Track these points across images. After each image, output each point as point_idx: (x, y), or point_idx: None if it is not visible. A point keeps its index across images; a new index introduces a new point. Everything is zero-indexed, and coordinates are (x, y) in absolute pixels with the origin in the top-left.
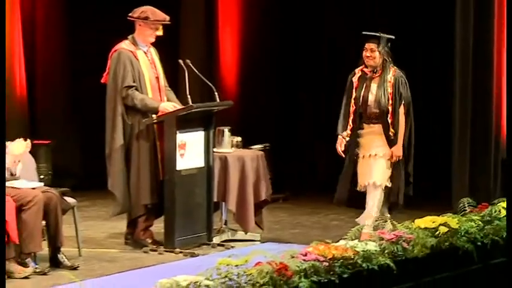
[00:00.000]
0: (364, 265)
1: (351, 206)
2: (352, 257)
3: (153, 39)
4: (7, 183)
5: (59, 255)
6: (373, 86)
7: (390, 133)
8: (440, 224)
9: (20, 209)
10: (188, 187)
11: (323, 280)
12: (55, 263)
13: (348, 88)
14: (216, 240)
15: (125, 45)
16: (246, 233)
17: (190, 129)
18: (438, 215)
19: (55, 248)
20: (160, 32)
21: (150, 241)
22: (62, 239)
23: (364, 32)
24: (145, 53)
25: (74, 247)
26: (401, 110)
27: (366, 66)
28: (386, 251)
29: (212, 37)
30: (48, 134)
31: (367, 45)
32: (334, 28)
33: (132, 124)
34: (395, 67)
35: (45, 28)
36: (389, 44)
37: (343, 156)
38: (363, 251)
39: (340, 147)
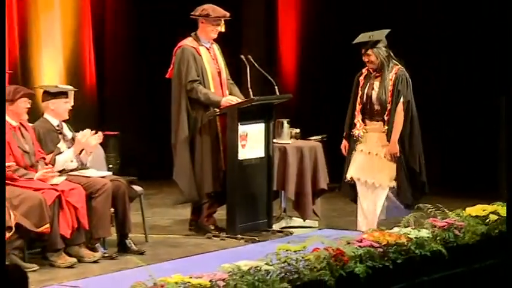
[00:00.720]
0: (417, 251)
1: (354, 200)
2: (406, 244)
3: (215, 36)
4: (77, 172)
5: (126, 241)
6: (376, 84)
7: (383, 131)
8: (490, 212)
9: (90, 197)
10: (249, 176)
11: (377, 265)
12: (123, 248)
13: (355, 88)
14: (275, 226)
15: (188, 41)
16: (304, 220)
17: (251, 121)
18: (488, 204)
19: (123, 233)
20: (222, 29)
21: (213, 227)
22: (129, 225)
23: (353, 42)
24: (207, 49)
25: (141, 233)
26: (399, 107)
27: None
28: (438, 238)
29: (272, 33)
30: (116, 125)
31: (363, 51)
32: (394, 22)
33: (196, 117)
34: (399, 65)
35: (114, 22)
36: (385, 41)
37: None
38: (416, 237)
39: (344, 149)
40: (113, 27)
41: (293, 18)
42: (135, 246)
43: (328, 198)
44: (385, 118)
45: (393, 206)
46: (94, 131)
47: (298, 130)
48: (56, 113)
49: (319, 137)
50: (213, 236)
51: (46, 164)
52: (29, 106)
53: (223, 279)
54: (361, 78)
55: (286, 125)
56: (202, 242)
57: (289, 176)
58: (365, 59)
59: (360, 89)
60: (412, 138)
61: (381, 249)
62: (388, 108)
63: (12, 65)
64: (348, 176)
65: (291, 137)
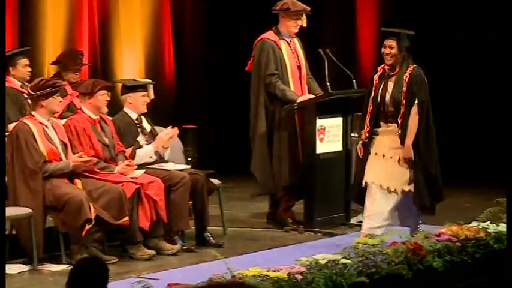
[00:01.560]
0: (495, 246)
1: (359, 202)
2: (484, 238)
3: (295, 30)
4: (157, 166)
5: (205, 234)
6: (390, 84)
7: (397, 134)
8: None
9: (168, 190)
10: (327, 170)
11: (456, 259)
12: (201, 240)
13: (369, 87)
14: (353, 220)
15: (268, 35)
16: None
17: (329, 115)
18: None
19: (201, 226)
20: (303, 23)
21: (291, 221)
22: (207, 218)
23: (383, 28)
24: (288, 43)
25: (219, 226)
26: (414, 109)
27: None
28: None
29: (351, 26)
30: (194, 118)
31: (385, 42)
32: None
33: (274, 110)
34: (415, 65)
35: (193, 15)
36: (409, 41)
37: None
38: (494, 232)
39: (360, 151)
40: (192, 20)
41: (371, 12)
42: (213, 239)
43: None
44: (399, 121)
45: (408, 213)
46: (171, 126)
47: None
48: (134, 106)
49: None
50: (291, 230)
51: (126, 158)
52: (108, 99)
53: (300, 273)
54: (376, 77)
55: None
56: (280, 236)
57: None
58: (386, 50)
59: (374, 88)
60: (428, 141)
61: (459, 244)
62: (402, 110)
63: (93, 57)
64: (364, 180)
65: None
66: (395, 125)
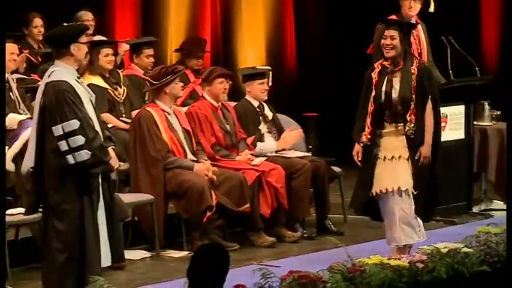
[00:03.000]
0: None
1: (367, 215)
2: None
3: (410, 12)
4: (278, 153)
5: (325, 221)
6: (396, 80)
7: (409, 131)
8: None
9: (289, 177)
10: (448, 158)
11: None
12: (322, 228)
13: (366, 86)
14: (475, 209)
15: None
16: (505, 203)
17: (451, 102)
18: None
19: (322, 214)
20: (430, 8)
21: None
22: (328, 205)
23: (384, 18)
24: None
25: (340, 214)
26: (429, 106)
27: (386, 59)
28: None
29: (474, 14)
30: (316, 106)
31: (386, 33)
32: None
33: None
34: (418, 58)
35: (314, 2)
36: (410, 33)
37: (360, 164)
38: None
39: (357, 156)
40: (314, 5)
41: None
42: (334, 226)
43: None
44: (408, 118)
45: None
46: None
47: (499, 112)
48: (253, 94)
49: None
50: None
51: (247, 145)
52: (226, 87)
53: (422, 261)
54: (375, 75)
55: (487, 107)
56: None
57: (489, 158)
58: (386, 41)
59: (374, 87)
60: (436, 142)
61: None
62: (412, 107)
63: (215, 45)
64: (374, 190)
65: (492, 119)
66: (402, 124)
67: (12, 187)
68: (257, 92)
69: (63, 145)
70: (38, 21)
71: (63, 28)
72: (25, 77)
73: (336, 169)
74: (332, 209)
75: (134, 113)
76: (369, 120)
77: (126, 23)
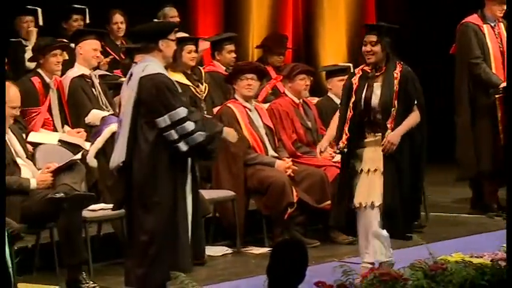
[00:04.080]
0: None
1: (348, 232)
2: None
3: (500, 14)
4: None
5: None
6: (376, 86)
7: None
8: None
9: None
10: None
11: None
12: None
13: (346, 91)
14: None
15: (472, 18)
16: None
17: None
18: None
19: None
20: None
21: (495, 206)
22: None
23: (365, 24)
24: (492, 27)
25: (421, 211)
26: (415, 113)
27: (367, 64)
28: None
29: None
30: None
31: (366, 38)
32: None
33: (476, 95)
34: (402, 63)
35: (395, 1)
36: (393, 37)
37: (319, 156)
38: None
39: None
40: (395, 4)
41: None
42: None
43: None
44: (388, 126)
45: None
46: None
47: None
48: (335, 91)
49: None
50: (495, 216)
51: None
52: (308, 83)
53: (504, 260)
54: (355, 80)
55: None
56: (484, 221)
57: None
58: (367, 48)
59: (353, 93)
60: (422, 153)
61: None
62: (393, 113)
63: (296, 42)
64: (357, 202)
65: None
66: (381, 134)
67: (95, 183)
68: (338, 88)
69: (172, 135)
70: (118, 18)
71: (153, 24)
72: (107, 73)
73: None
74: None
75: (216, 109)
76: (346, 126)
77: (208, 20)
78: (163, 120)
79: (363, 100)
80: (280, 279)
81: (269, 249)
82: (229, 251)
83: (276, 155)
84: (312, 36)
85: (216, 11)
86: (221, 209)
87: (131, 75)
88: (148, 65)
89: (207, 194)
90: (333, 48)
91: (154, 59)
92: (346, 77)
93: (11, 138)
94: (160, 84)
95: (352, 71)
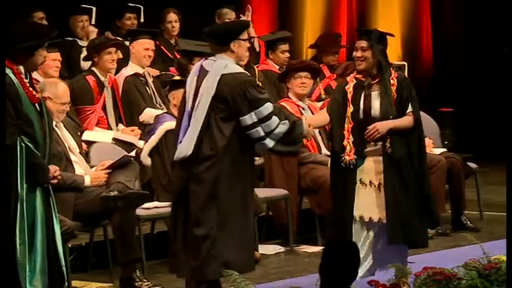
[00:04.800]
0: None
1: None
2: None
3: None
4: None
5: (461, 218)
6: (374, 95)
7: (388, 148)
8: None
9: None
10: None
11: None
12: (457, 225)
13: (340, 100)
14: None
15: None
16: None
17: None
18: None
19: (457, 210)
20: None
21: None
22: (464, 202)
23: (357, 29)
24: None
25: (476, 210)
26: (408, 117)
27: (358, 72)
28: None
29: None
30: (452, 101)
31: (357, 44)
32: None
33: None
34: (396, 69)
35: (450, 1)
36: (385, 43)
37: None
38: None
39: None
40: (450, 1)
41: None
42: (470, 223)
43: None
44: (388, 137)
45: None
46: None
47: None
48: None
49: None
50: None
51: None
52: None
53: None
54: (349, 88)
55: None
56: None
57: None
58: (357, 54)
59: (350, 102)
60: (422, 161)
61: None
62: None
63: (350, 40)
64: (357, 215)
65: None
66: (381, 144)
67: (149, 181)
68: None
69: (258, 132)
70: (172, 17)
71: (225, 24)
72: (162, 72)
73: (472, 165)
74: (468, 205)
75: None
76: (351, 138)
77: (262, 18)
78: (250, 117)
79: (361, 110)
80: (333, 278)
81: (322, 248)
82: (282, 249)
83: (329, 153)
84: None
85: (271, 9)
86: (274, 208)
87: (204, 71)
88: (229, 63)
89: (261, 192)
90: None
91: (230, 58)
92: None
93: (64, 133)
94: (246, 83)
95: (406, 70)
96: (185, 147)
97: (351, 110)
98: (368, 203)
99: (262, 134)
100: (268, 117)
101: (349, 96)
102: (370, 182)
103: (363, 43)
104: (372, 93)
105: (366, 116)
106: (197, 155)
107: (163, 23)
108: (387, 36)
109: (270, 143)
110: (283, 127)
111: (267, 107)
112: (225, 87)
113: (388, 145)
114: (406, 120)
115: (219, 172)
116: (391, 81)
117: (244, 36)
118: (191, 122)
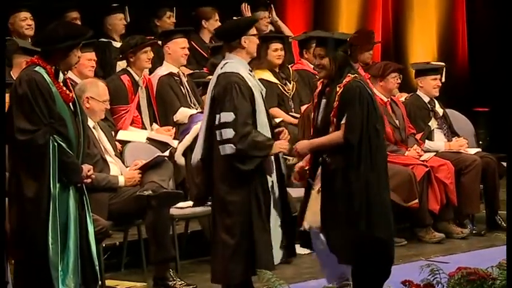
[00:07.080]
0: None
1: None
2: None
3: None
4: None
5: (495, 218)
6: (323, 102)
7: (325, 157)
8: None
9: (459, 173)
10: None
11: None
12: (492, 224)
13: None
14: None
15: None
16: None
17: None
18: None
19: (492, 210)
20: None
21: None
22: (498, 202)
23: (308, 34)
24: None
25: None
26: (337, 132)
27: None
28: None
29: None
30: (487, 100)
31: (314, 51)
32: None
33: None
34: (355, 75)
35: (485, 1)
36: (345, 48)
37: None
38: None
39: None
40: (485, 2)
41: None
42: (505, 223)
43: None
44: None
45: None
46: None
47: None
48: (425, 90)
49: None
50: None
51: (417, 141)
52: (399, 82)
53: None
54: (316, 94)
55: None
56: None
57: None
58: (316, 61)
59: (313, 109)
60: (380, 183)
61: None
62: (331, 131)
63: (386, 39)
64: (306, 226)
65: None
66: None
67: (183, 180)
68: (429, 87)
69: (217, 135)
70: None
71: (232, 22)
72: (195, 71)
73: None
74: (502, 205)
75: (303, 107)
76: None
77: (297, 17)
78: (217, 118)
79: (316, 119)
80: (366, 277)
81: None
82: None
83: None
84: (401, 34)
85: (305, 8)
86: None
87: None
88: (228, 63)
89: (294, 192)
90: (422, 45)
91: (236, 57)
92: (439, 76)
93: (100, 135)
94: (230, 84)
95: (444, 71)
96: (197, 152)
97: (312, 116)
98: (312, 210)
99: (219, 138)
100: (223, 125)
101: (314, 102)
102: (318, 189)
103: (320, 50)
104: (323, 100)
105: (314, 123)
106: (208, 159)
107: (207, 21)
108: (347, 40)
109: (224, 150)
110: (228, 149)
111: (228, 116)
112: (216, 87)
113: (325, 156)
114: (332, 137)
115: (224, 175)
116: (337, 88)
117: (253, 31)
118: (200, 127)
